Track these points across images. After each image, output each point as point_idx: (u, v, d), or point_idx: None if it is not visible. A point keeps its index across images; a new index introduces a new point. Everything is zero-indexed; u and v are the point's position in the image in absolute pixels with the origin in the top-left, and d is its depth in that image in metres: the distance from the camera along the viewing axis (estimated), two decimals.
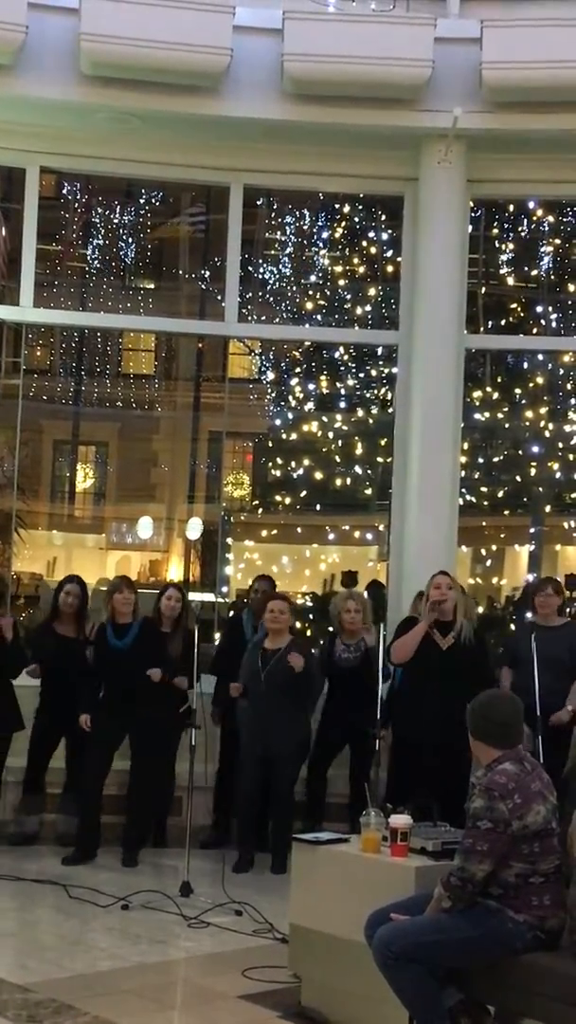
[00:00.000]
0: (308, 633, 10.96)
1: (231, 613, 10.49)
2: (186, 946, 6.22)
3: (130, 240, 15.88)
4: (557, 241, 12.31)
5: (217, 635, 9.65)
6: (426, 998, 4.46)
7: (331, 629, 8.58)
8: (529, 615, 8.21)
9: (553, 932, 4.47)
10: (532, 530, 14.60)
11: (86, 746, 8.00)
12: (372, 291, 12.40)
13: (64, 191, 13.90)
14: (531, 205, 11.26)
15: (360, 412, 14.45)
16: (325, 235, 12.98)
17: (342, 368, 14.21)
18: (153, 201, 14.60)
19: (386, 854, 5.04)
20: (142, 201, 14.68)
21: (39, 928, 6.46)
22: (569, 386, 13.82)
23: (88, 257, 15.81)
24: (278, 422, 15.65)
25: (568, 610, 12.69)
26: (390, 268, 11.14)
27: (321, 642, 8.80)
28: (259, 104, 8.72)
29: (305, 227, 13.04)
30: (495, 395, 13.32)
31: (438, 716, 6.93)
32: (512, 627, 10.91)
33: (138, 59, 8.37)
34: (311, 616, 12.60)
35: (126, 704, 7.92)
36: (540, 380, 13.45)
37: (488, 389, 13.15)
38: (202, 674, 7.82)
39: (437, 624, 7.43)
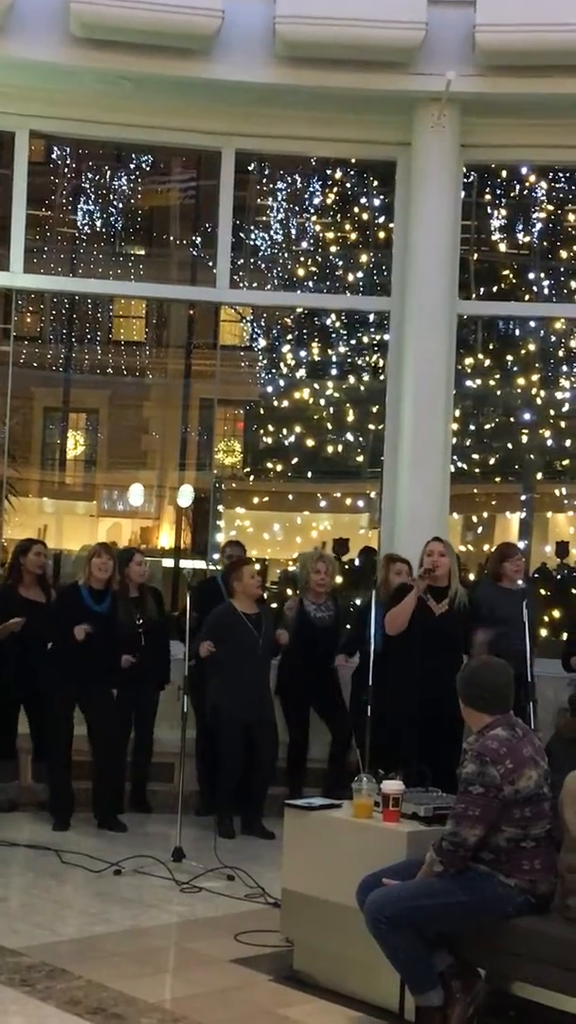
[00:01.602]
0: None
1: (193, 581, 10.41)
2: (178, 911, 6.25)
3: (120, 205, 15.80)
4: (550, 207, 12.26)
5: None
6: (417, 962, 4.49)
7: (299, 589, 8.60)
8: (518, 584, 8.15)
9: (544, 896, 4.50)
10: (523, 497, 14.62)
11: (52, 711, 7.92)
12: (364, 257, 12.36)
13: (54, 155, 13.81)
14: (524, 170, 11.20)
15: (352, 379, 14.43)
16: (317, 201, 12.92)
17: (334, 335, 14.18)
18: (144, 166, 14.52)
19: (378, 819, 5.05)
20: (133, 166, 14.60)
21: (32, 893, 6.48)
22: (561, 353, 13.80)
23: (78, 223, 15.73)
24: (269, 389, 15.63)
25: (558, 576, 12.79)
26: (382, 234, 11.10)
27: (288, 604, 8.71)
28: (251, 67, 8.65)
29: (297, 193, 12.98)
30: (487, 362, 13.31)
31: (432, 681, 6.89)
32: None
33: (128, 21, 8.28)
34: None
35: (102, 666, 7.86)
36: (532, 347, 13.43)
37: (480, 356, 13.13)
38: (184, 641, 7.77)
39: (431, 589, 7.41)
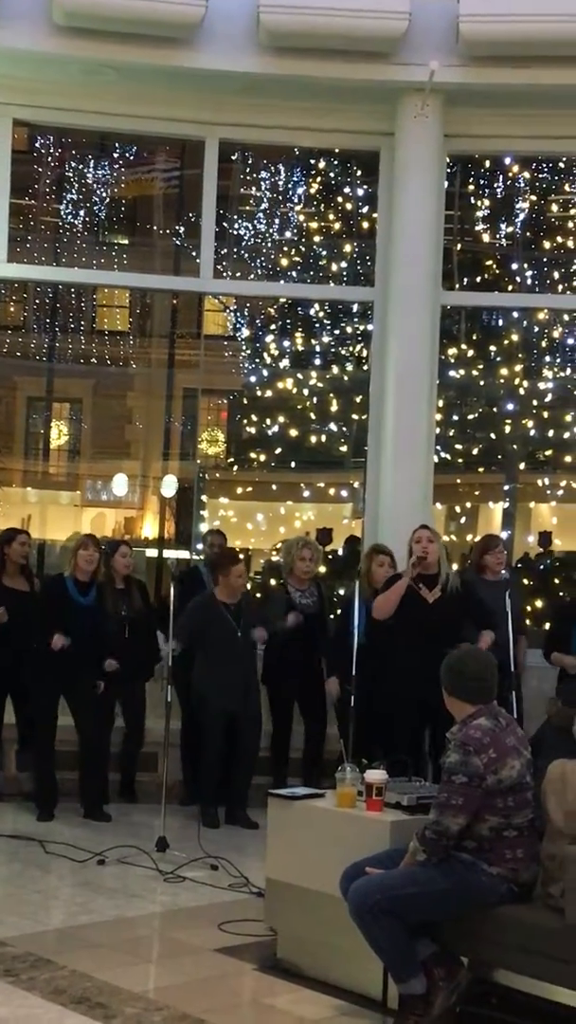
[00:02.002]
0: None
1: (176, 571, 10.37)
2: (162, 900, 6.27)
3: (104, 195, 15.75)
4: (533, 197, 12.26)
5: None
6: (400, 950, 4.51)
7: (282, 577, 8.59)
8: (501, 575, 8.17)
9: (526, 885, 4.53)
10: (506, 487, 14.65)
11: (37, 702, 7.95)
12: (348, 247, 12.34)
13: (37, 144, 13.76)
14: (507, 161, 11.20)
15: (335, 369, 14.42)
16: (300, 191, 12.90)
17: (317, 325, 14.16)
18: (127, 155, 14.47)
19: (361, 809, 5.07)
20: (116, 155, 14.54)
21: (16, 883, 6.48)
22: (544, 343, 13.81)
23: (61, 212, 15.68)
24: (253, 379, 15.60)
25: (541, 566, 12.83)
26: (366, 224, 11.09)
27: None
28: (235, 57, 8.64)
29: (280, 182, 12.95)
30: (470, 352, 13.31)
31: (424, 671, 6.81)
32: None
33: (112, 9, 8.27)
34: None
35: (87, 657, 7.88)
36: (515, 337, 13.43)
37: (463, 346, 13.13)
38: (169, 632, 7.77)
39: (422, 578, 7.38)
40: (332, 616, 8.72)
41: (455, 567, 7.72)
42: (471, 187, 11.74)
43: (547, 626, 8.84)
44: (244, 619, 7.95)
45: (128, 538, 16.01)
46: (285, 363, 14.90)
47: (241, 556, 8.49)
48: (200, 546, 10.82)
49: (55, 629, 7.75)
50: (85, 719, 7.91)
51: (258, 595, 9.01)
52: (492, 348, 13.46)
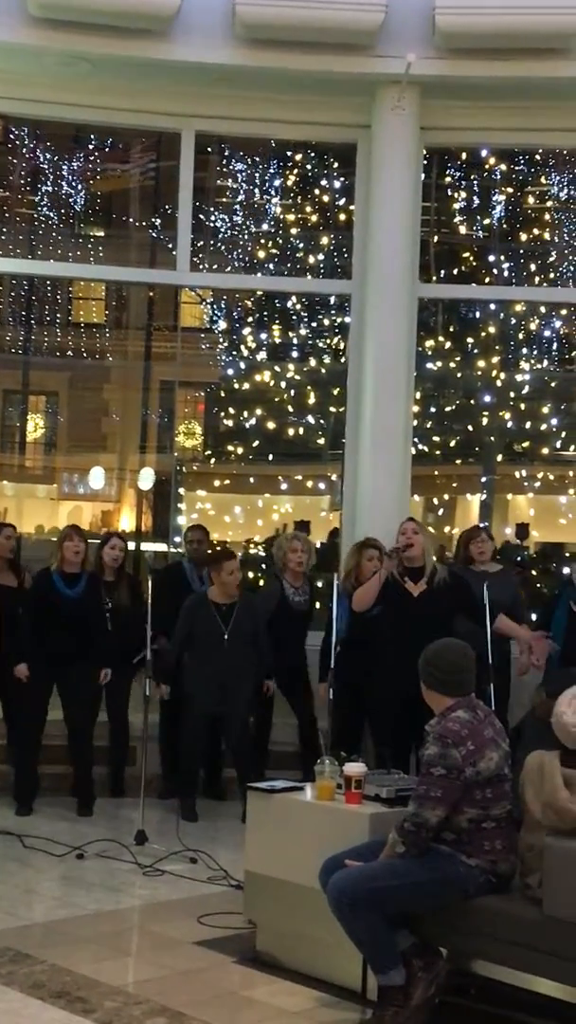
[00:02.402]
0: (261, 582, 10.94)
1: (155, 564, 10.33)
2: (141, 894, 6.27)
3: (79, 187, 15.67)
4: (510, 190, 12.27)
5: None
6: (380, 942, 4.52)
7: (275, 573, 8.57)
8: (486, 565, 8.19)
9: (504, 876, 4.55)
10: (483, 479, 14.68)
11: (23, 695, 7.95)
12: (325, 240, 12.33)
13: (11, 136, 13.66)
14: (484, 153, 11.21)
15: (313, 361, 14.41)
16: (277, 183, 12.87)
17: (294, 317, 14.15)
18: (103, 147, 14.39)
19: (340, 801, 5.08)
20: (92, 147, 14.47)
21: None
22: (521, 335, 13.83)
23: (36, 204, 15.59)
24: (230, 371, 15.58)
25: (518, 558, 12.87)
26: (343, 216, 11.08)
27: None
28: (211, 49, 8.61)
29: (257, 175, 12.92)
30: (447, 344, 13.32)
31: (409, 664, 6.79)
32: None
33: (87, 1, 8.24)
34: (263, 566, 12.61)
35: (76, 650, 7.88)
36: (492, 329, 13.45)
37: (440, 338, 13.13)
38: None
39: (408, 571, 7.38)
40: (317, 606, 8.72)
41: (434, 558, 7.70)
42: (448, 179, 11.73)
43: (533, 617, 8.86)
44: (235, 619, 7.90)
45: (104, 530, 15.98)
46: (262, 356, 14.88)
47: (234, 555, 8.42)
48: (178, 539, 10.82)
49: (42, 625, 7.81)
50: (76, 712, 7.93)
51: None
52: (469, 340, 13.46)
